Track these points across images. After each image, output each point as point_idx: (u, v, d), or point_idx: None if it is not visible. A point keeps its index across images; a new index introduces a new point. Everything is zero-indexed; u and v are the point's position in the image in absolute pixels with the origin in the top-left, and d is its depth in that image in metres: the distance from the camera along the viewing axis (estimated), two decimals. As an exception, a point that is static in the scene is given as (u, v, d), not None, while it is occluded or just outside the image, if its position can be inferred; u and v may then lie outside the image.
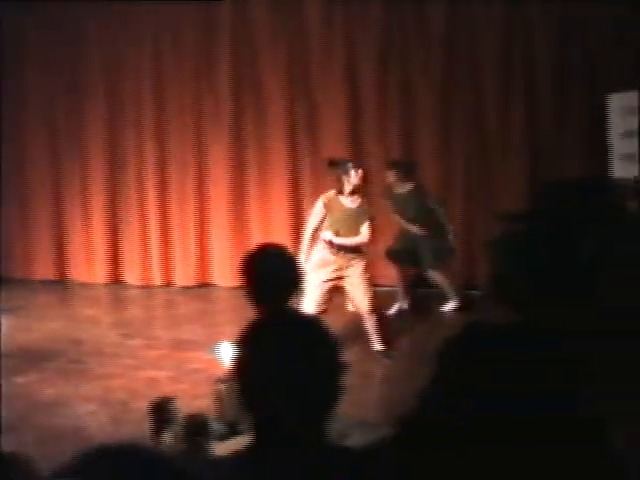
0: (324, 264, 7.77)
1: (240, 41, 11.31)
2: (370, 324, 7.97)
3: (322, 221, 7.89)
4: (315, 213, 7.94)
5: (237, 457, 2.12)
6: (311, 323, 2.20)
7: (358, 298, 7.87)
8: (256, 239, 10.60)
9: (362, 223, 7.84)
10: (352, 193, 7.85)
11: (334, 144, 10.95)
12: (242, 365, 2.11)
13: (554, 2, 10.16)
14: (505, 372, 1.89)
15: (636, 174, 8.50)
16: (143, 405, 6.79)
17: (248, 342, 2.14)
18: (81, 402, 7.05)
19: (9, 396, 6.81)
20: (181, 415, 3.75)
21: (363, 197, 7.95)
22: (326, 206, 7.87)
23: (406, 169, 9.72)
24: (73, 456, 1.52)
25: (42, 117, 12.26)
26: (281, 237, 10.36)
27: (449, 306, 9.99)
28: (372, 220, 7.90)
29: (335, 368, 2.11)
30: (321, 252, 7.83)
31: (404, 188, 9.66)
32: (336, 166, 7.95)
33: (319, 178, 10.96)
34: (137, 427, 6.35)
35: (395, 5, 10.78)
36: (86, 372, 7.88)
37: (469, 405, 1.87)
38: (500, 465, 1.84)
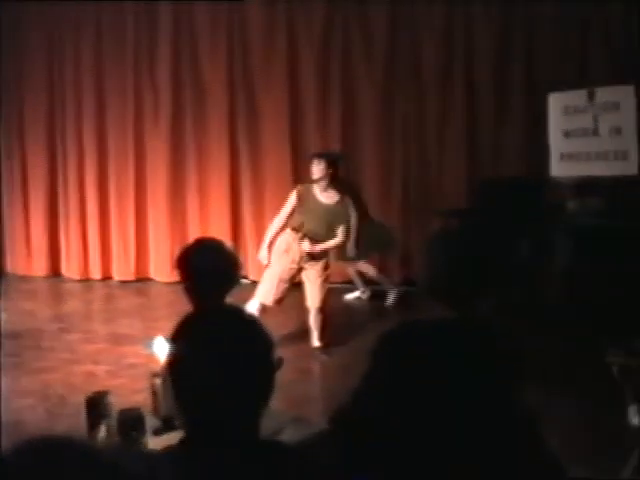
0: (287, 250, 7.74)
1: (181, 37, 11.24)
2: (314, 320, 7.94)
3: (292, 212, 7.79)
4: (288, 202, 7.83)
5: (168, 452, 2.10)
6: (245, 319, 2.18)
7: (312, 293, 7.85)
8: (194, 234, 10.55)
9: (338, 224, 7.76)
10: (326, 188, 7.73)
11: (274, 139, 10.99)
12: (174, 360, 2.09)
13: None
14: (440, 368, 1.90)
15: (574, 173, 8.62)
16: (81, 399, 6.74)
17: (181, 337, 2.12)
18: (19, 396, 6.96)
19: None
20: (116, 409, 3.72)
21: (343, 194, 7.84)
22: (299, 197, 7.76)
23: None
24: (6, 449, 1.50)
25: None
26: (220, 232, 10.36)
27: (391, 299, 10.08)
28: (348, 223, 7.94)
29: (268, 365, 2.09)
30: (285, 238, 7.78)
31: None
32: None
33: (258, 172, 10.98)
34: (74, 421, 6.30)
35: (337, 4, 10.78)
36: (24, 366, 7.79)
37: (403, 402, 1.88)
38: (434, 461, 1.86)
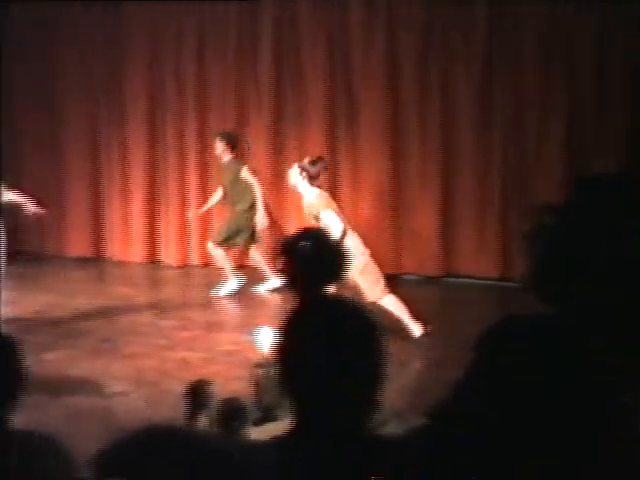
0: None
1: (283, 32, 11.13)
2: None
3: None
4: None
5: (275, 443, 2.05)
6: (355, 310, 2.12)
7: None
8: (292, 225, 10.51)
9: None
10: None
11: (373, 138, 10.82)
12: (284, 352, 2.07)
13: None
14: (540, 365, 1.87)
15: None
16: (174, 386, 6.70)
17: (291, 328, 2.09)
18: (111, 381, 6.93)
19: (38, 373, 6.68)
20: (217, 399, 3.63)
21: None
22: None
23: (231, 140, 10.12)
24: (117, 438, 1.60)
25: (80, 94, 12.25)
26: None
27: (268, 286, 10.02)
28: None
29: (380, 356, 2.05)
30: None
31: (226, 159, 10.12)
32: None
33: (355, 169, 10.82)
34: (168, 408, 6.24)
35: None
36: (117, 351, 7.77)
37: (504, 398, 1.85)
38: (532, 458, 1.81)
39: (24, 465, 2.42)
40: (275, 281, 9.73)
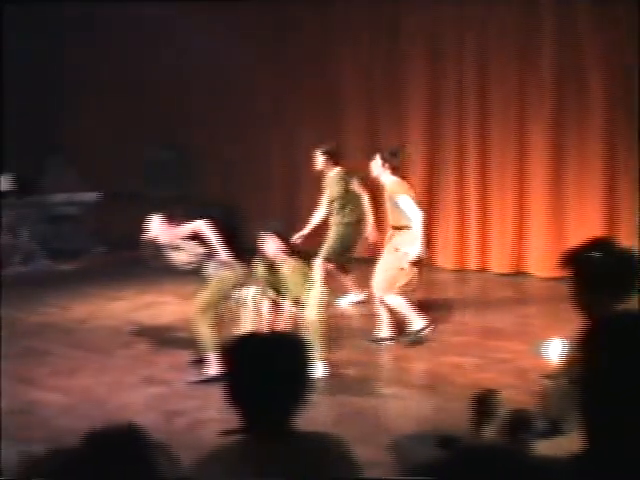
0: None
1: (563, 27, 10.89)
2: None
3: None
4: None
5: (571, 460, 2.01)
6: None
7: None
8: (573, 231, 10.30)
9: None
10: None
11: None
12: (582, 367, 2.05)
13: None
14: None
15: None
16: (446, 390, 6.77)
17: (589, 344, 2.07)
18: (384, 382, 7.09)
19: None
20: (504, 409, 3.60)
21: None
22: None
23: (332, 153, 9.75)
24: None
25: (361, 98, 12.65)
26: (596, 230, 9.83)
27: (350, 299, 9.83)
28: None
29: None
30: None
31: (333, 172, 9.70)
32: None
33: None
34: (439, 412, 6.33)
35: None
36: (390, 352, 7.94)
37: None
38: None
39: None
40: (357, 295, 9.81)
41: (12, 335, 8.93)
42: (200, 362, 7.56)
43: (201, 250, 7.48)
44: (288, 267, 7.46)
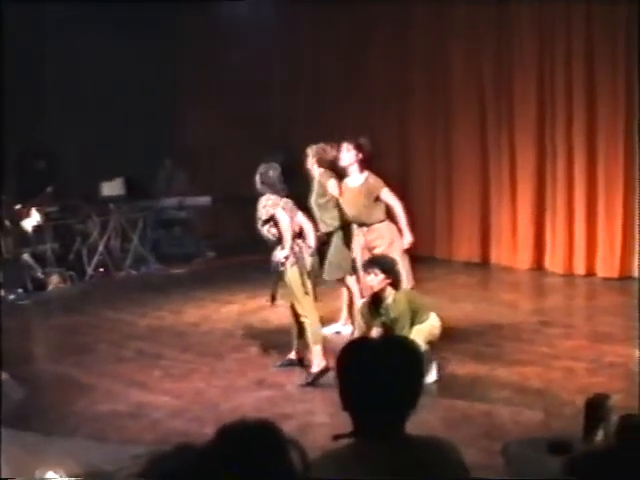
0: None
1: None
2: None
3: None
4: None
5: None
6: None
7: None
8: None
9: None
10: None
11: None
12: None
13: None
14: None
15: None
16: (557, 394, 6.74)
17: None
18: (495, 387, 7.08)
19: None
20: (615, 414, 3.58)
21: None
22: None
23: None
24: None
25: (469, 97, 12.71)
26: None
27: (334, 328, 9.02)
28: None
29: None
30: None
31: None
32: None
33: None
34: (550, 416, 6.30)
35: None
36: (502, 356, 7.91)
37: None
38: None
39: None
40: (341, 326, 9.01)
41: (125, 339, 9.21)
42: (300, 362, 7.71)
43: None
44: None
